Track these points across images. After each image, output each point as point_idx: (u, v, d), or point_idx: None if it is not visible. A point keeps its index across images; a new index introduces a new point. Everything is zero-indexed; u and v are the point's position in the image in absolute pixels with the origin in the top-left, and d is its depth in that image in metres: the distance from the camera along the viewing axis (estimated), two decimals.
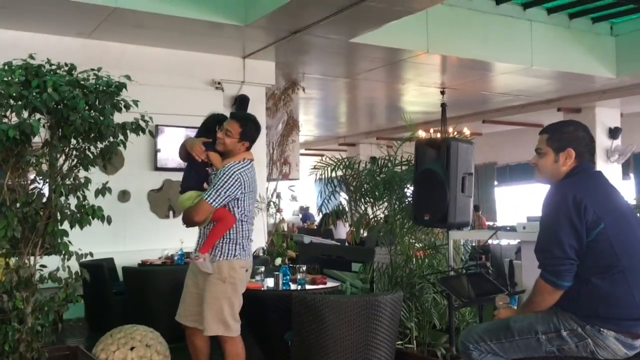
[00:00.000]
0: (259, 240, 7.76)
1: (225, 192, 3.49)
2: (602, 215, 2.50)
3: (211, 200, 3.47)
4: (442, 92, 9.86)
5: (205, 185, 3.69)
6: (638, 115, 12.07)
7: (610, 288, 2.50)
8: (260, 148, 8.12)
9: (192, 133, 3.84)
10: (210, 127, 3.72)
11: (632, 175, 12.52)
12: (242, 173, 3.55)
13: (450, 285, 3.38)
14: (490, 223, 12.26)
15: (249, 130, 3.66)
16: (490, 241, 4.38)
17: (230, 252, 3.54)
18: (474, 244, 6.50)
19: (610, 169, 10.78)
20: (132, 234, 6.83)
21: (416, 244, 4.54)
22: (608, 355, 2.53)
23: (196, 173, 3.69)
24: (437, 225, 4.10)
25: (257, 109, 7.99)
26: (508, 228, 3.25)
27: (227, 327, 3.51)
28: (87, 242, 3.48)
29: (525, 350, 2.68)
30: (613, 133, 10.97)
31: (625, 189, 11.78)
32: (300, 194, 13.63)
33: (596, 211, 2.50)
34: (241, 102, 7.71)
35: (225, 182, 3.50)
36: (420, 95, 10.38)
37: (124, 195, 6.98)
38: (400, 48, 7.30)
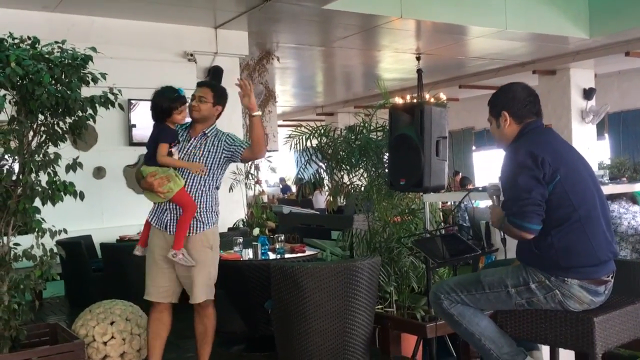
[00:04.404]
0: (238, 212, 7.76)
1: None
2: (557, 167, 2.55)
3: None
4: (418, 58, 9.82)
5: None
6: (611, 75, 12.17)
7: (569, 239, 2.55)
8: (236, 120, 8.06)
9: None
10: (167, 107, 3.49)
11: (606, 135, 12.69)
12: None
13: (425, 246, 3.41)
14: (470, 187, 12.36)
15: (221, 94, 3.68)
16: (465, 203, 4.42)
17: (211, 220, 3.59)
18: (453, 210, 6.56)
19: (585, 130, 10.90)
20: (109, 210, 6.79)
21: (393, 209, 4.56)
22: (575, 304, 2.58)
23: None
24: (412, 189, 4.11)
25: (232, 80, 7.89)
26: (480, 188, 3.28)
27: (211, 291, 3.58)
28: (64, 219, 3.46)
29: (496, 302, 2.75)
30: (587, 94, 11.04)
31: (600, 149, 11.95)
32: (280, 165, 13.60)
33: (551, 164, 2.55)
34: (215, 73, 7.61)
35: None
36: (396, 61, 10.33)
37: (99, 172, 6.91)
38: (374, 14, 7.22)
